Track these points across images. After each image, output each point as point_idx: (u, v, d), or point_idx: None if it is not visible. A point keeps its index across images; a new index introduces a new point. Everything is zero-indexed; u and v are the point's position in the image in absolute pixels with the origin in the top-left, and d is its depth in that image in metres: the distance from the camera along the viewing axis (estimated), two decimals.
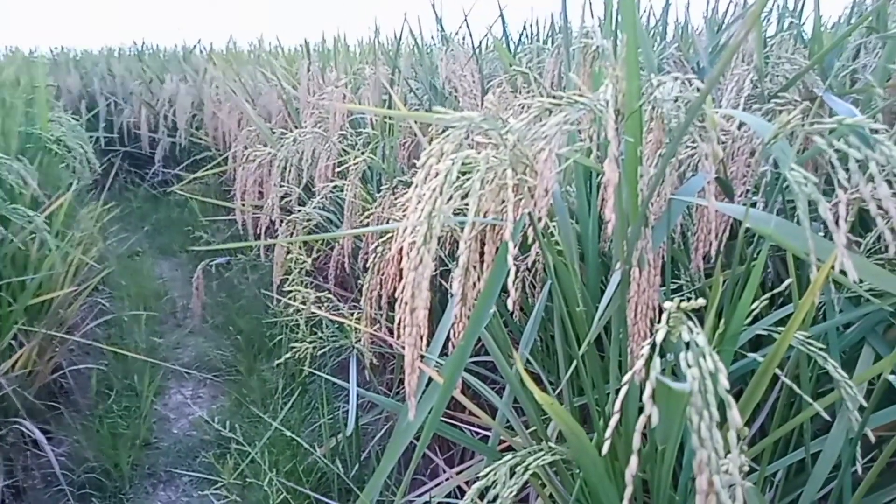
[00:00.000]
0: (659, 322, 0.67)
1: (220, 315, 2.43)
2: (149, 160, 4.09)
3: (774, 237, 0.53)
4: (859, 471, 0.58)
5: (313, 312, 1.03)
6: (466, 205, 0.63)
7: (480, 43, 1.85)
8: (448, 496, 1.08)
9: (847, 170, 0.43)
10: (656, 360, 0.37)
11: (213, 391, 2.03)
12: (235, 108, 3.04)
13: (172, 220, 3.62)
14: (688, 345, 0.39)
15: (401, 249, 0.52)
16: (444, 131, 0.51)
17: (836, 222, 0.44)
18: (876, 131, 0.43)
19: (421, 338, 0.60)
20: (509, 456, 0.59)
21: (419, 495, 1.09)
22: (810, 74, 1.02)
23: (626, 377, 0.41)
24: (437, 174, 0.51)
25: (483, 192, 0.59)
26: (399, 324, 0.54)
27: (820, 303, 0.89)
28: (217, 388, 2.03)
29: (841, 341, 0.81)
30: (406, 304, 0.51)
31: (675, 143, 0.54)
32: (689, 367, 0.38)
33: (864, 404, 0.55)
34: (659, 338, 0.38)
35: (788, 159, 0.53)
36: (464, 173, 0.59)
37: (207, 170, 2.08)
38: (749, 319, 0.68)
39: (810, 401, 0.57)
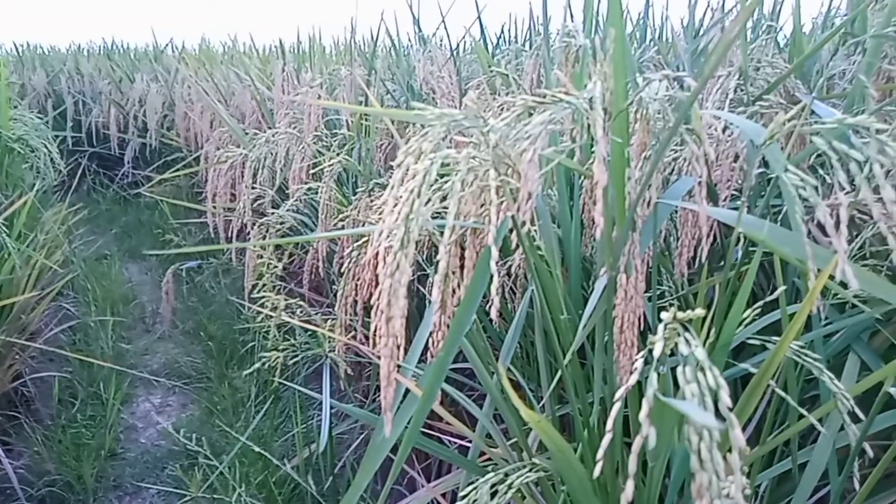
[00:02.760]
0: (647, 331, 0.64)
1: (191, 320, 2.37)
2: (118, 161, 3.98)
3: (767, 243, 0.51)
4: (856, 486, 0.56)
5: (284, 320, 0.99)
6: (446, 208, 0.60)
7: (458, 44, 1.82)
8: None
9: (848, 171, 0.41)
10: (652, 377, 0.35)
11: (182, 399, 1.96)
12: (208, 108, 2.97)
13: (142, 222, 3.52)
14: (685, 358, 0.36)
15: (376, 254, 0.48)
16: (422, 130, 0.48)
17: (836, 227, 0.42)
18: (879, 131, 0.41)
19: (398, 348, 0.56)
20: (491, 475, 0.56)
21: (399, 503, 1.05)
22: (791, 79, 1.01)
23: (619, 393, 0.38)
24: (414, 175, 0.48)
25: (464, 195, 0.56)
26: (374, 332, 0.50)
27: None
28: (187, 396, 1.97)
29: (826, 349, 0.79)
30: (382, 312, 0.48)
31: (666, 144, 0.52)
32: (687, 382, 0.36)
33: (863, 418, 0.53)
34: (657, 351, 0.35)
35: (780, 162, 0.51)
36: (443, 175, 0.56)
37: (176, 170, 2.01)
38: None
39: (806, 413, 0.55)
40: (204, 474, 1.44)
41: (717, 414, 0.37)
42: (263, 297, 1.06)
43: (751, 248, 0.65)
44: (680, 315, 0.37)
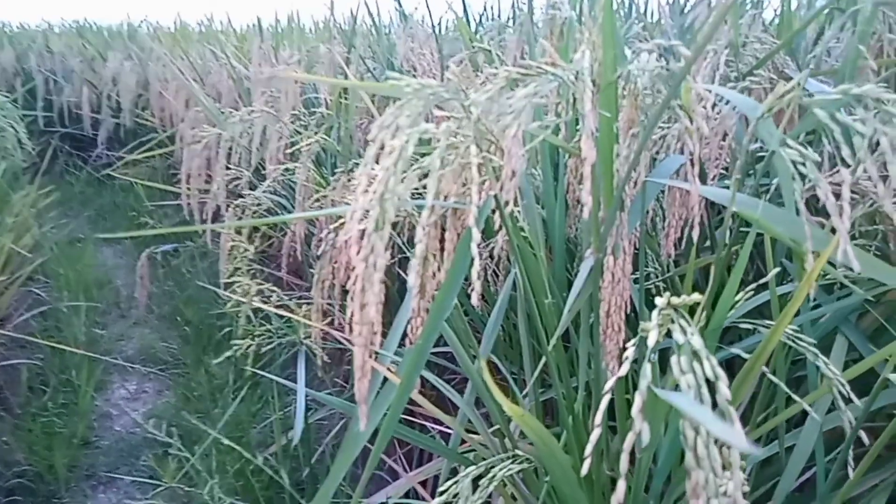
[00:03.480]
0: (633, 315, 0.62)
1: (167, 305, 2.32)
2: (92, 142, 3.87)
3: (761, 223, 0.49)
4: (850, 473, 0.54)
5: (257, 306, 0.95)
6: (425, 187, 0.56)
7: (440, 21, 1.77)
8: (407, 494, 1.03)
9: (851, 146, 0.39)
10: (646, 368, 0.32)
11: (158, 386, 1.92)
12: (182, 87, 2.88)
13: (117, 205, 3.44)
14: (679, 347, 0.34)
15: (351, 237, 0.45)
16: (398, 103, 0.45)
17: (839, 206, 0.39)
18: (886, 101, 0.39)
19: (375, 335, 0.53)
20: (472, 468, 0.53)
21: (379, 491, 1.03)
22: (780, 56, 0.98)
23: (608, 385, 0.35)
24: (390, 151, 0.45)
25: (444, 173, 0.53)
26: (350, 319, 0.47)
27: (788, 292, 0.86)
28: (163, 382, 1.93)
29: (814, 331, 0.78)
30: (356, 299, 0.45)
31: (656, 118, 0.49)
32: (682, 373, 0.33)
33: (859, 404, 0.51)
34: (651, 341, 0.33)
35: (777, 137, 0.49)
36: (423, 155, 0.53)
37: (146, 150, 1.95)
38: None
39: (799, 400, 0.53)
40: (180, 463, 1.41)
41: (714, 405, 0.34)
42: (237, 281, 1.02)
43: (741, 230, 0.63)
44: (675, 300, 0.35)
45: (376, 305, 0.52)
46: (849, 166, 0.40)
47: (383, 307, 0.50)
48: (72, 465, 1.54)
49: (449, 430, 0.87)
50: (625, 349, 0.64)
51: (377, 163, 0.43)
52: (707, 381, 0.34)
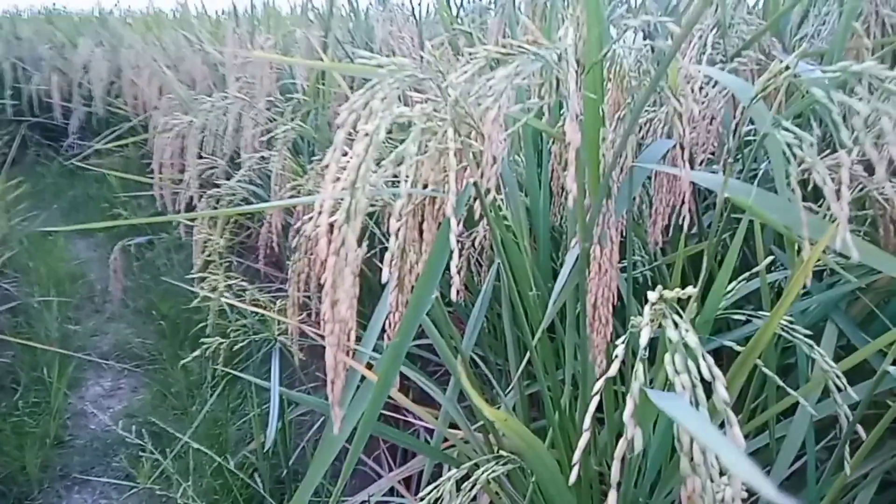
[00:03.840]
0: (620, 306, 0.60)
1: (143, 299, 2.26)
2: (63, 132, 3.77)
3: (754, 210, 0.46)
4: (847, 472, 0.52)
5: (226, 302, 0.91)
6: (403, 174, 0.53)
7: (420, 4, 1.73)
8: (391, 490, 1.00)
9: (849, 128, 0.36)
10: (638, 368, 0.29)
11: (134, 382, 1.87)
12: (155, 75, 2.80)
13: (90, 196, 3.35)
14: (673, 345, 0.31)
15: (320, 229, 0.42)
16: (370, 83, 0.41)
17: (837, 191, 0.37)
18: (887, 79, 0.36)
19: (350, 331, 0.50)
20: (454, 471, 0.51)
21: (361, 490, 1.00)
22: (766, 37, 0.96)
23: (598, 385, 0.33)
24: (363, 136, 0.42)
25: (421, 159, 0.50)
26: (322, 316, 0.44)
27: (776, 281, 0.84)
28: (138, 379, 1.88)
29: (804, 319, 0.76)
30: (327, 295, 0.42)
31: (645, 99, 0.46)
32: (676, 373, 0.31)
33: (854, 395, 0.50)
34: (644, 339, 0.30)
35: (769, 118, 0.46)
36: (402, 141, 0.50)
37: (115, 139, 1.89)
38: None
39: (794, 393, 0.51)
40: (156, 462, 1.37)
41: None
42: (210, 275, 0.98)
43: (731, 216, 0.60)
44: (667, 294, 0.32)
45: (350, 301, 0.49)
46: (843, 149, 0.37)
47: (366, 298, 0.47)
48: (44, 465, 1.50)
49: (429, 426, 0.85)
50: (612, 342, 0.62)
51: (348, 150, 0.39)
52: (701, 378, 0.32)
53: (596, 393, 0.33)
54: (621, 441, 0.29)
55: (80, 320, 2.21)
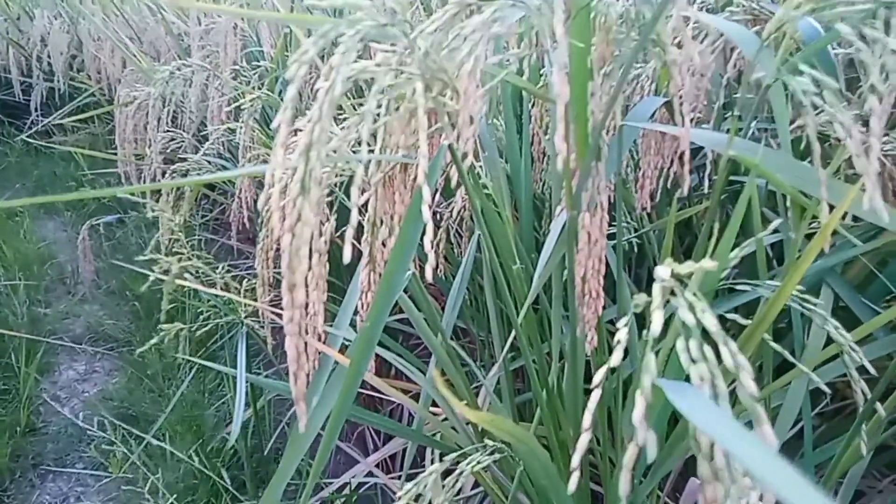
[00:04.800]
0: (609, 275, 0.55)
1: (115, 280, 2.18)
2: (24, 108, 3.61)
3: (762, 170, 0.42)
4: (863, 451, 0.49)
5: (183, 283, 0.85)
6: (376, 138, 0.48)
7: None
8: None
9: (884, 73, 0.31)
10: (650, 359, 0.25)
11: (108, 365, 1.81)
12: (118, 46, 2.68)
13: (56, 175, 3.23)
14: (688, 329, 0.27)
15: (272, 203, 0.37)
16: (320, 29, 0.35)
17: (866, 145, 0.32)
18: None
19: (316, 316, 0.46)
20: (436, 465, 0.46)
21: (345, 473, 0.97)
22: None
23: (598, 377, 0.28)
24: (318, 93, 0.36)
25: (389, 120, 0.44)
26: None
27: (773, 244, 0.81)
28: (113, 362, 1.82)
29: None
30: (284, 278, 0.37)
31: (639, 48, 0.41)
32: (693, 362, 0.26)
33: (875, 374, 0.46)
34: (656, 325, 0.25)
35: (777, 66, 0.41)
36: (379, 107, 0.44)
37: (71, 113, 1.79)
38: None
39: (805, 369, 0.48)
40: (133, 447, 1.32)
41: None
42: (162, 257, 0.92)
43: (735, 178, 0.56)
44: (679, 268, 0.28)
45: (317, 283, 0.44)
46: (874, 94, 0.33)
47: (344, 274, 0.42)
48: (16, 454, 1.44)
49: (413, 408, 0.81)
50: (603, 316, 0.58)
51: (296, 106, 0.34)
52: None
53: (597, 385, 0.29)
54: (630, 448, 0.24)
55: (50, 303, 2.14)
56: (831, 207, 0.41)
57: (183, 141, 1.49)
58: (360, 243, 0.53)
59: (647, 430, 0.24)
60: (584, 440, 0.28)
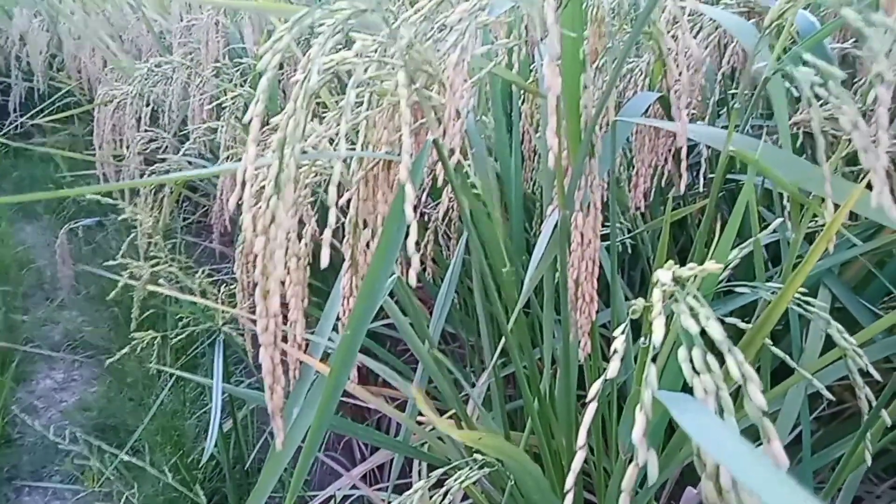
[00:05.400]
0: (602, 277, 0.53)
1: (94, 285, 2.14)
2: (2, 109, 3.54)
3: (761, 167, 0.40)
4: (868, 460, 0.47)
5: (153, 290, 0.82)
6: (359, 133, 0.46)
7: None
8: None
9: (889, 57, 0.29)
10: (650, 372, 0.23)
11: (88, 374, 1.77)
12: (99, 45, 2.63)
13: (36, 177, 3.17)
14: (691, 338, 0.24)
15: (243, 204, 0.34)
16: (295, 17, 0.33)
17: (873, 138, 0.30)
18: None
19: (296, 324, 0.43)
20: (422, 482, 0.44)
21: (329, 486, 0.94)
22: None
23: (593, 390, 0.26)
24: (295, 85, 0.34)
25: (371, 114, 0.42)
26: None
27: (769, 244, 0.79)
28: (92, 369, 1.78)
29: None
30: (258, 285, 0.34)
31: (633, 39, 0.39)
32: (696, 373, 0.24)
33: (879, 379, 0.44)
34: (658, 336, 0.23)
35: (778, 58, 0.39)
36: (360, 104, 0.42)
37: (49, 113, 1.74)
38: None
39: (809, 376, 0.46)
40: (113, 457, 1.28)
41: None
42: (132, 261, 0.89)
43: (729, 177, 0.54)
44: (681, 272, 0.25)
45: (296, 289, 0.41)
46: (882, 84, 0.31)
47: (329, 277, 0.40)
48: None
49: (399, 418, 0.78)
50: (596, 320, 0.56)
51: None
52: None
53: (593, 399, 0.27)
54: (630, 469, 0.22)
55: (27, 309, 2.08)
56: (834, 206, 0.39)
57: (163, 140, 1.46)
58: (343, 245, 0.51)
59: (648, 449, 0.21)
60: (579, 459, 0.26)
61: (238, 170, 0.33)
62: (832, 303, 0.71)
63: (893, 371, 0.72)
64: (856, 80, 0.69)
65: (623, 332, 0.28)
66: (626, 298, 0.83)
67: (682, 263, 0.48)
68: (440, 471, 0.45)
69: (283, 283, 0.39)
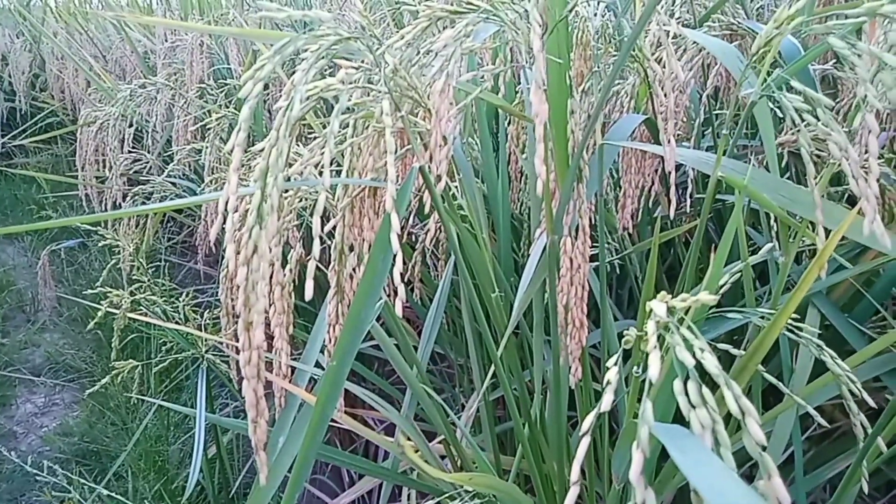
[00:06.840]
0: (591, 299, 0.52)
1: (77, 307, 2.10)
2: None
3: (750, 191, 0.39)
4: (865, 487, 0.47)
5: (133, 318, 0.80)
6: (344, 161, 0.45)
7: None
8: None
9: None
10: (646, 407, 0.22)
11: (69, 398, 1.73)
12: (80, 67, 2.61)
13: (18, 198, 3.13)
14: (687, 370, 0.24)
15: (231, 234, 0.33)
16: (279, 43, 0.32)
17: (864, 166, 0.30)
18: None
19: (281, 352, 0.42)
20: None
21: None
22: (729, 4, 0.91)
23: (587, 423, 0.25)
24: (277, 113, 0.33)
25: (356, 141, 0.41)
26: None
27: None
28: (74, 394, 1.74)
29: None
30: (241, 316, 0.33)
31: (621, 63, 0.38)
32: (692, 407, 0.23)
33: (873, 405, 0.44)
34: (654, 371, 0.22)
35: (761, 83, 0.39)
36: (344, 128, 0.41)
37: (36, 136, 1.73)
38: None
39: (803, 403, 0.45)
40: (92, 487, 1.25)
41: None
42: (112, 290, 0.87)
43: (718, 198, 0.54)
44: (675, 302, 0.25)
45: (280, 318, 0.40)
46: (869, 110, 0.31)
47: (317, 301, 0.39)
48: None
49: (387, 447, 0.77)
50: (585, 345, 0.55)
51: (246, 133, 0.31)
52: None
53: (585, 433, 0.26)
54: None
55: (8, 332, 2.04)
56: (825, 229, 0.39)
57: (147, 162, 1.44)
58: (329, 271, 0.50)
59: (646, 487, 0.21)
60: (573, 495, 0.25)
61: (220, 200, 0.32)
62: (821, 321, 0.71)
63: (883, 389, 0.72)
64: (837, 100, 0.70)
65: (615, 364, 0.27)
66: (615, 318, 0.83)
67: (671, 283, 0.48)
68: (433, 502, 0.44)
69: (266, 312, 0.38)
